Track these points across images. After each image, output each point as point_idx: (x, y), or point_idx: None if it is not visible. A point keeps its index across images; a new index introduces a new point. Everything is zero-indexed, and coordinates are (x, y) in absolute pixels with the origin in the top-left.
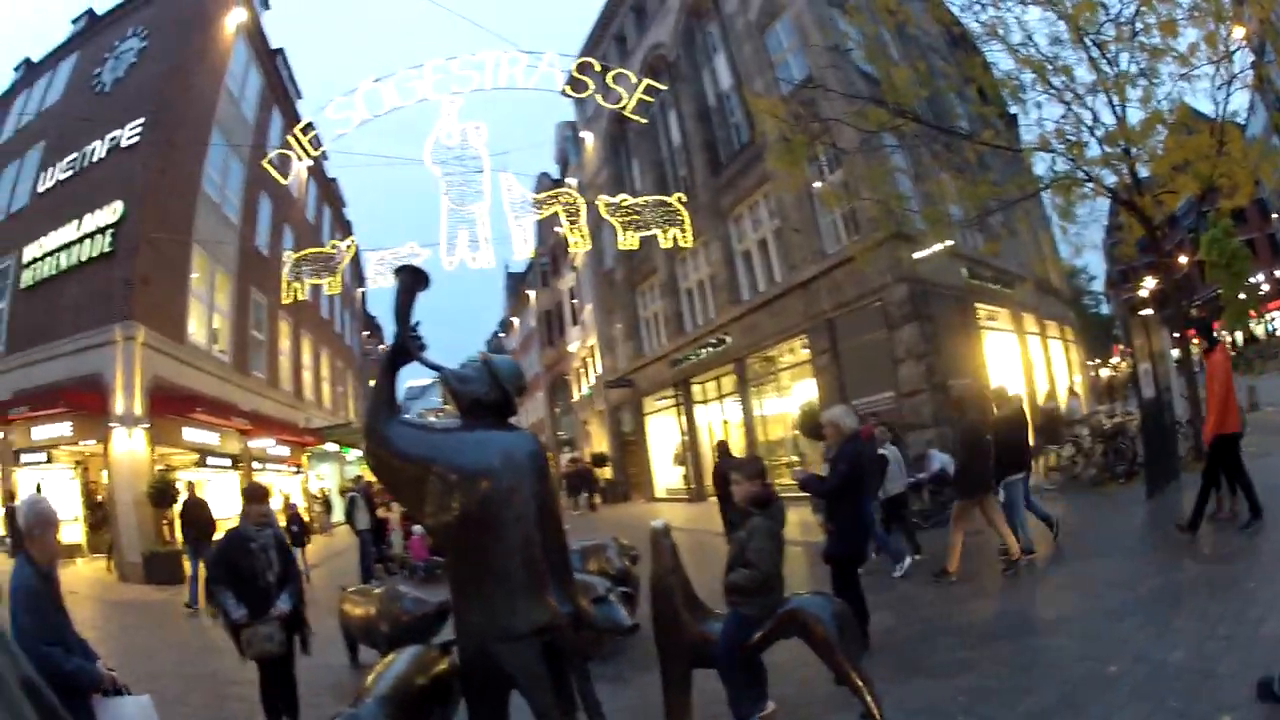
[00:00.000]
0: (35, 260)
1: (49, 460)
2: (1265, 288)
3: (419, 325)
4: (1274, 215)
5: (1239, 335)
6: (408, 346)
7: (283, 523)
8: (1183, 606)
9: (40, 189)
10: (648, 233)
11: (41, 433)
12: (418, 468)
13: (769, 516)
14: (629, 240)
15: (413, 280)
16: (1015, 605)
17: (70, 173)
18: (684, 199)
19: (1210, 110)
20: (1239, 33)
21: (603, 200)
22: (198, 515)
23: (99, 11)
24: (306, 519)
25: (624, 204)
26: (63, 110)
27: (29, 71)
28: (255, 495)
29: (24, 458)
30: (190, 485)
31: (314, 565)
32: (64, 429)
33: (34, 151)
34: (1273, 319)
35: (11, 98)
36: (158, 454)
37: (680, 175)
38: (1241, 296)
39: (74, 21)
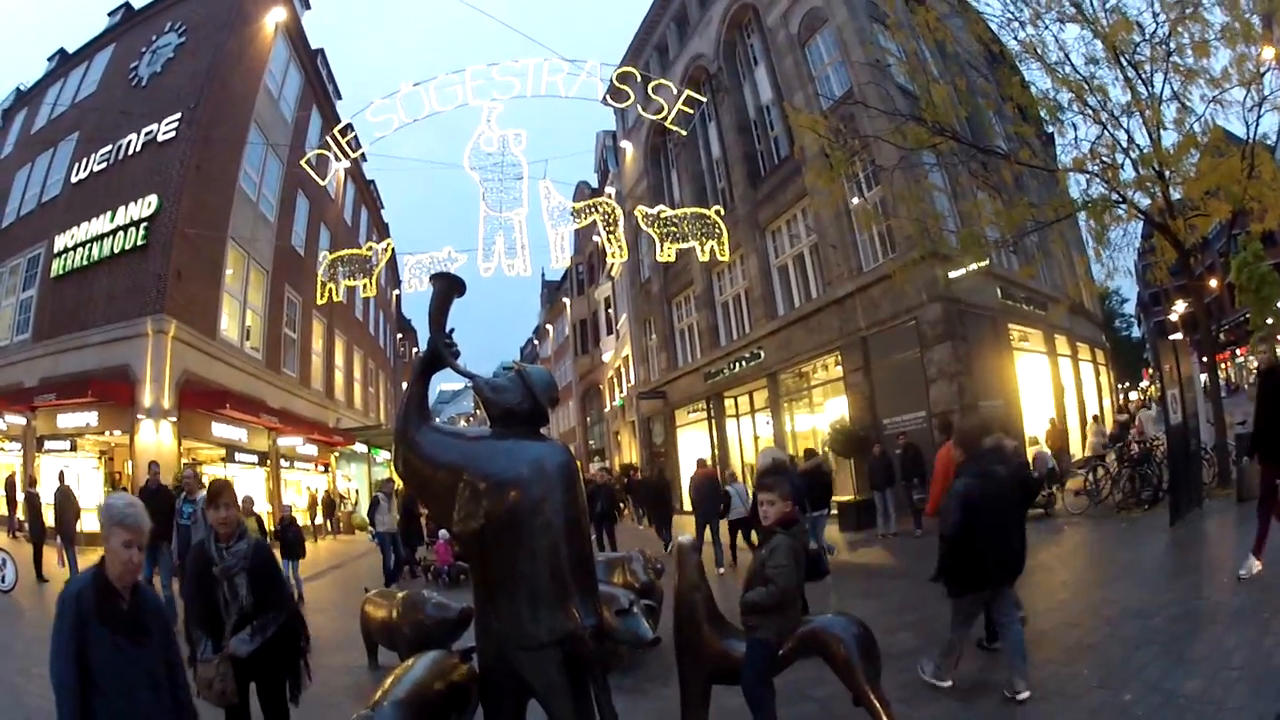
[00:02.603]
0: (67, 250)
1: (73, 449)
2: None
3: (453, 332)
4: None
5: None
6: (441, 353)
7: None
8: (1199, 636)
9: (74, 179)
10: (685, 245)
11: (67, 421)
12: (448, 474)
13: (792, 535)
14: (666, 252)
15: (448, 287)
16: (1036, 631)
17: (105, 165)
18: (722, 212)
19: (1241, 132)
20: (1269, 53)
21: (641, 211)
22: (156, 505)
23: (136, 5)
24: (323, 517)
25: (662, 215)
26: (98, 103)
27: (63, 62)
28: (217, 494)
29: (48, 444)
30: (152, 466)
31: (308, 578)
32: (90, 418)
33: (67, 142)
34: None
35: (45, 87)
36: (185, 448)
37: (719, 187)
38: (1269, 321)
39: (110, 14)
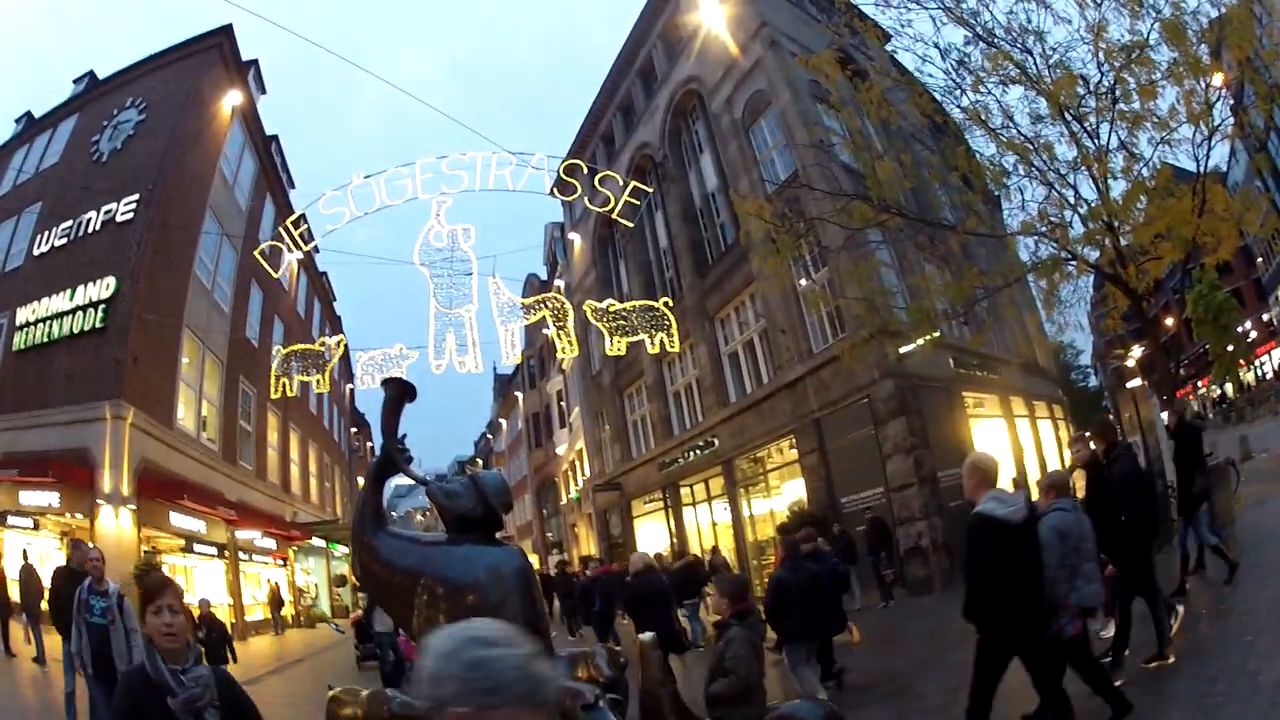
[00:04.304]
0: (28, 324)
1: (36, 527)
2: (1254, 334)
3: (405, 437)
4: (1259, 260)
5: (1229, 387)
6: (395, 459)
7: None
8: (1180, 667)
9: (36, 251)
10: (635, 338)
11: (29, 499)
12: (406, 578)
13: (747, 627)
14: (616, 346)
15: (399, 393)
16: (1011, 683)
17: (65, 240)
18: (670, 303)
19: (1191, 167)
20: (1218, 79)
21: (590, 305)
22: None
23: (100, 74)
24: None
25: (611, 309)
26: (61, 174)
27: (29, 126)
28: (154, 594)
29: (11, 520)
30: (79, 546)
31: (275, 669)
32: (52, 498)
33: (30, 212)
34: (1262, 364)
35: (11, 151)
36: (144, 535)
37: (668, 277)
38: (1230, 348)
39: (75, 81)
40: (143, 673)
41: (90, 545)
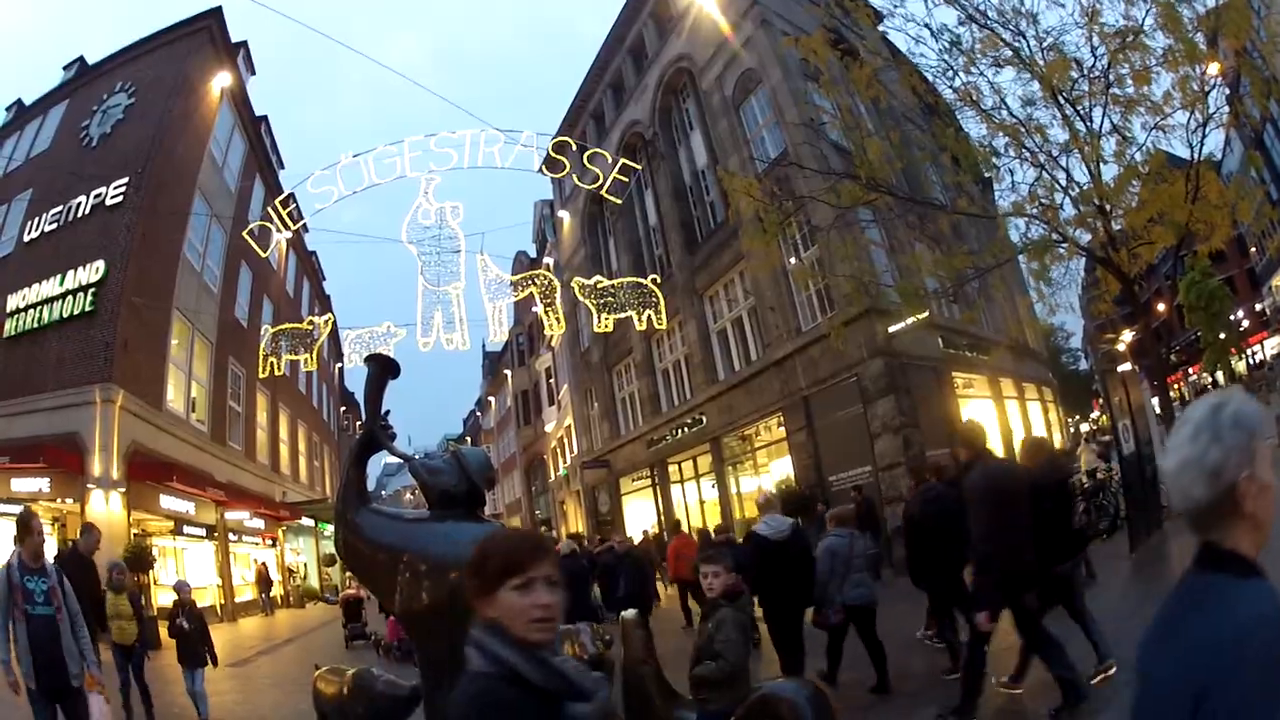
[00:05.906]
0: (19, 310)
1: None
2: (1246, 323)
3: (389, 414)
4: (1252, 250)
5: (1220, 375)
6: (378, 436)
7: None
8: None
9: (26, 238)
10: (622, 315)
11: (21, 485)
12: (388, 556)
13: (738, 608)
14: (604, 323)
15: (382, 370)
16: (996, 674)
17: (55, 225)
18: (659, 280)
19: (1185, 154)
20: (1214, 68)
21: (578, 282)
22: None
23: (90, 60)
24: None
25: (599, 286)
26: (51, 160)
27: (20, 114)
28: (528, 555)
29: (1, 508)
30: (84, 527)
31: (266, 649)
32: (43, 484)
33: (20, 199)
34: (1255, 352)
35: (1, 140)
36: (134, 519)
37: (657, 254)
38: (1222, 336)
39: (65, 68)
40: (511, 676)
41: (25, 508)
